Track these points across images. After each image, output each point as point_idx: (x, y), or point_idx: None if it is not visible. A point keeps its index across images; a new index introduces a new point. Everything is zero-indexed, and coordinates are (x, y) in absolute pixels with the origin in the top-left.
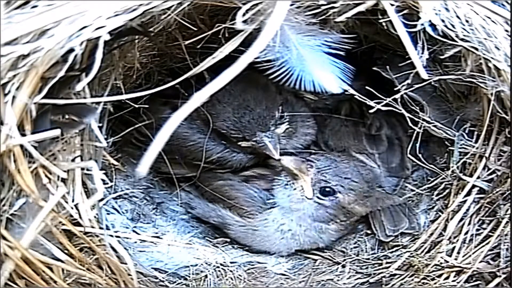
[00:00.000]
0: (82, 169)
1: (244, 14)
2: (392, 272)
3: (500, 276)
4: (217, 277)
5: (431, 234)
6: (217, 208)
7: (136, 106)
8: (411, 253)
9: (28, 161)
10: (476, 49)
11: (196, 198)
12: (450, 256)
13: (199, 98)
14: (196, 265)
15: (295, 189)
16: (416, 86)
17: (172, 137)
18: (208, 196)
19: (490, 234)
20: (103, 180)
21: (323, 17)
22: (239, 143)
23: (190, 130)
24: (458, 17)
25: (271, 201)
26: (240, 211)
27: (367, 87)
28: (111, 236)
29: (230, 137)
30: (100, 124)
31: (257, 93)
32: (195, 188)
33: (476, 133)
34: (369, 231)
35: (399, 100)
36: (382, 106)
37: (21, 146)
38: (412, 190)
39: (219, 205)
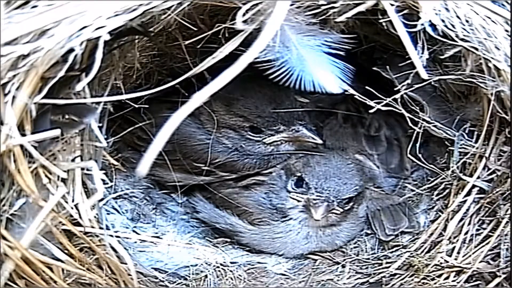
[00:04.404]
0: (82, 169)
1: (244, 14)
2: (392, 272)
3: (500, 276)
4: (217, 277)
5: (431, 234)
6: (225, 216)
7: (136, 106)
8: (411, 253)
9: (28, 161)
10: (476, 49)
11: (201, 201)
12: (450, 256)
13: (199, 98)
14: (196, 265)
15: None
16: (416, 86)
17: (178, 135)
18: (215, 201)
19: (490, 234)
20: (103, 180)
21: (323, 17)
22: (269, 138)
23: (197, 130)
24: (458, 17)
25: (286, 217)
26: (249, 218)
27: (367, 87)
28: (111, 236)
29: (265, 130)
30: (100, 124)
31: (279, 90)
32: (199, 191)
33: (476, 133)
34: (369, 231)
35: (399, 100)
36: (382, 106)
37: (21, 146)
38: (412, 190)
39: (227, 212)
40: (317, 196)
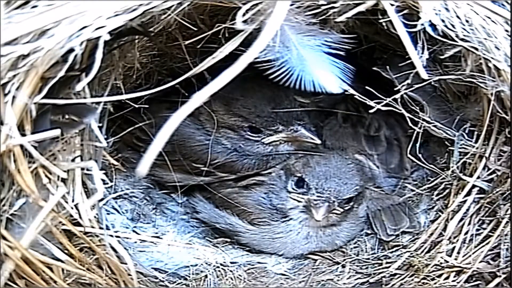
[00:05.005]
0: (82, 169)
1: (244, 14)
2: (392, 272)
3: (500, 276)
4: (217, 277)
5: (431, 234)
6: (225, 216)
7: (136, 106)
8: (411, 253)
9: (28, 161)
10: (476, 49)
11: (201, 202)
12: (450, 256)
13: (199, 98)
14: (196, 265)
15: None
16: (416, 86)
17: (177, 136)
18: (215, 201)
19: (490, 234)
20: (103, 180)
21: (323, 17)
22: (268, 138)
23: (196, 130)
24: (458, 17)
25: (286, 218)
26: (249, 218)
27: (367, 87)
28: (111, 236)
29: (264, 130)
30: (100, 124)
31: (279, 90)
32: (199, 191)
33: (476, 133)
34: (369, 231)
35: (399, 100)
36: (382, 106)
37: (21, 146)
38: (412, 190)
39: (227, 212)
40: (317, 196)
